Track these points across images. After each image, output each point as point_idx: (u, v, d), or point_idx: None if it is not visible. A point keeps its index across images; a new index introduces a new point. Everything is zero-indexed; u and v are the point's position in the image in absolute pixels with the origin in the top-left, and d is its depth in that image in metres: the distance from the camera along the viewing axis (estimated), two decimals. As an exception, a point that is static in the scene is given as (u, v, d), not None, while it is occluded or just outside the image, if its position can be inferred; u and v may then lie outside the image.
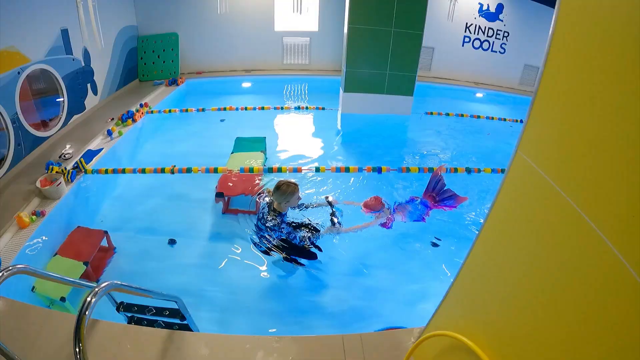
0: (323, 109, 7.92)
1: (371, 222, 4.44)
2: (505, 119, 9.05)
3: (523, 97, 10.48)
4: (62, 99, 6.16)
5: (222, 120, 7.54)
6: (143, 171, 5.31)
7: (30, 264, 4.16)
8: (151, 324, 3.06)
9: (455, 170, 6.43)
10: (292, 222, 4.22)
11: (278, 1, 8.72)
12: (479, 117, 8.87)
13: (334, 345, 2.74)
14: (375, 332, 3.16)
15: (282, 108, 7.88)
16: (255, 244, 4.27)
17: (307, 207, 4.56)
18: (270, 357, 2.70)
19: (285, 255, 4.01)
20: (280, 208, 3.88)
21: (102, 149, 5.76)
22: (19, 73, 5.25)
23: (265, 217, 3.94)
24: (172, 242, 4.80)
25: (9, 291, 3.60)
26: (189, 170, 5.36)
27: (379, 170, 6.02)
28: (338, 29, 9.12)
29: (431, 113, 8.46)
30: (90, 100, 6.90)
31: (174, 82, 8.29)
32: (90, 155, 5.59)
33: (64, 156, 5.48)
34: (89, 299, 1.96)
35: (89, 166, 5.30)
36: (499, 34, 10.14)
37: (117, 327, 3.00)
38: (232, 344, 2.85)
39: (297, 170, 5.75)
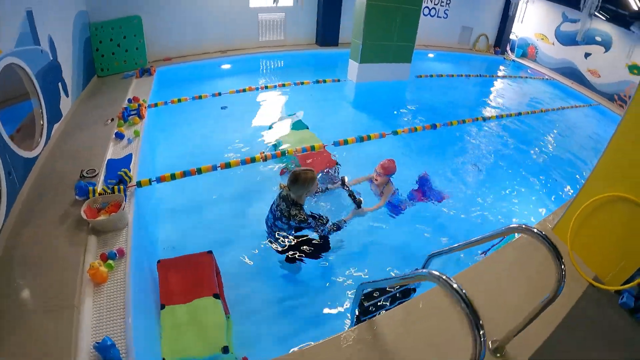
0: (339, 80, 7.06)
1: (384, 198, 4.04)
2: (470, 75, 9.30)
3: (461, 54, 11.07)
4: (39, 104, 4.05)
5: (223, 108, 5.92)
6: (227, 165, 3.76)
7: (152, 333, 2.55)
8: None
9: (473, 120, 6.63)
10: (312, 213, 3.43)
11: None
12: (453, 75, 8.74)
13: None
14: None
15: (302, 83, 6.56)
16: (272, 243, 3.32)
17: (323, 191, 4.08)
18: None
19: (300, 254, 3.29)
20: (301, 200, 3.12)
21: (130, 154, 3.92)
22: (-10, 70, 3.19)
23: (285, 214, 3.08)
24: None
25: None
26: (283, 154, 4.09)
27: (434, 127, 5.79)
28: (312, 3, 8.04)
29: (421, 76, 8.01)
30: (64, 104, 4.74)
31: (145, 72, 6.28)
32: (117, 165, 3.75)
33: (86, 173, 3.56)
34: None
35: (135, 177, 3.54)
36: (443, 2, 10.23)
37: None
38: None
39: (381, 135, 5.06)
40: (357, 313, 2.67)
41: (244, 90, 5.88)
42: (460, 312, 1.40)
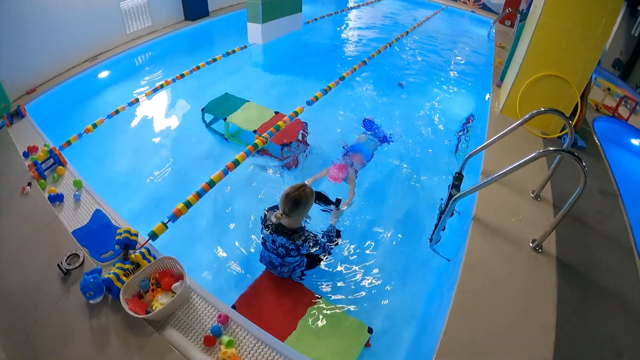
0: (245, 47, 6.15)
1: (352, 184, 3.63)
2: (339, 11, 9.12)
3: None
4: None
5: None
6: (236, 163, 3.02)
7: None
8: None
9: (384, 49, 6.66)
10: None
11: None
12: (331, 14, 8.52)
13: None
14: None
15: (214, 60, 5.42)
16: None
17: None
18: None
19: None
20: (298, 223, 2.42)
21: (97, 211, 2.75)
22: None
23: (292, 247, 2.36)
24: None
25: None
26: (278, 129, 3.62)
27: (364, 63, 5.84)
28: None
29: (308, 22, 7.51)
30: None
31: (15, 115, 4.41)
32: (93, 232, 2.59)
33: (68, 263, 2.34)
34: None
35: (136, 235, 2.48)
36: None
37: None
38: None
39: (337, 83, 4.82)
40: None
41: (162, 87, 4.64)
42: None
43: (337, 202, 3.04)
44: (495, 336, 2.01)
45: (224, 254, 2.89)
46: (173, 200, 3.20)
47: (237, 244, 2.98)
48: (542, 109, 2.92)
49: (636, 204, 3.79)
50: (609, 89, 5.03)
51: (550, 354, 1.93)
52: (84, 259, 2.33)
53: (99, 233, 2.59)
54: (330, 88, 4.51)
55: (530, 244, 2.66)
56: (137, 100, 4.46)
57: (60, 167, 3.30)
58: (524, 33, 4.53)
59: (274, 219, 2.33)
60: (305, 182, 3.26)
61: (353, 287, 2.71)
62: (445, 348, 1.90)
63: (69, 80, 5.18)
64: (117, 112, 4.20)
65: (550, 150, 2.32)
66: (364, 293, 2.68)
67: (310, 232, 2.45)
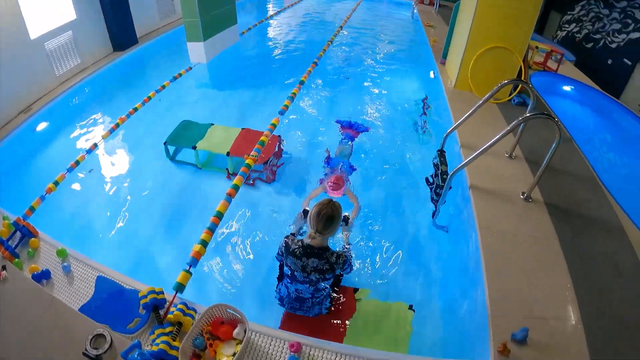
0: (191, 68, 5.79)
1: (350, 194, 3.42)
2: (268, 17, 8.91)
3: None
4: None
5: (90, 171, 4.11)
6: (236, 189, 2.84)
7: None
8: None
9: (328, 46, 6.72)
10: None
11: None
12: (262, 21, 8.31)
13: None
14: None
15: (163, 87, 5.04)
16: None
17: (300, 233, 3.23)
18: None
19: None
20: (327, 240, 2.21)
21: (100, 277, 2.38)
22: None
23: (326, 267, 2.15)
24: None
25: None
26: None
27: (316, 64, 5.83)
28: (95, 7, 5.92)
29: (243, 32, 7.24)
30: None
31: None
32: (101, 305, 2.26)
33: (94, 347, 1.97)
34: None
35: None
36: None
37: None
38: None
39: (299, 88, 4.64)
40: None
41: (118, 126, 4.19)
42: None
43: (345, 219, 2.88)
44: (527, 276, 2.32)
45: (229, 284, 2.71)
46: (172, 244, 2.91)
47: (242, 267, 2.79)
48: (506, 81, 3.24)
49: (588, 142, 4.20)
50: (537, 47, 5.45)
51: (567, 276, 2.34)
52: (111, 337, 1.99)
53: (112, 302, 2.24)
54: (295, 94, 4.36)
55: (521, 196, 3.01)
56: (95, 145, 3.96)
57: (33, 239, 2.81)
58: (462, 11, 4.74)
59: (307, 240, 2.15)
60: (303, 203, 3.15)
61: (376, 274, 2.81)
62: (494, 297, 2.15)
63: (7, 138, 4.43)
64: (77, 162, 3.69)
65: (528, 116, 2.71)
66: (389, 278, 2.79)
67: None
